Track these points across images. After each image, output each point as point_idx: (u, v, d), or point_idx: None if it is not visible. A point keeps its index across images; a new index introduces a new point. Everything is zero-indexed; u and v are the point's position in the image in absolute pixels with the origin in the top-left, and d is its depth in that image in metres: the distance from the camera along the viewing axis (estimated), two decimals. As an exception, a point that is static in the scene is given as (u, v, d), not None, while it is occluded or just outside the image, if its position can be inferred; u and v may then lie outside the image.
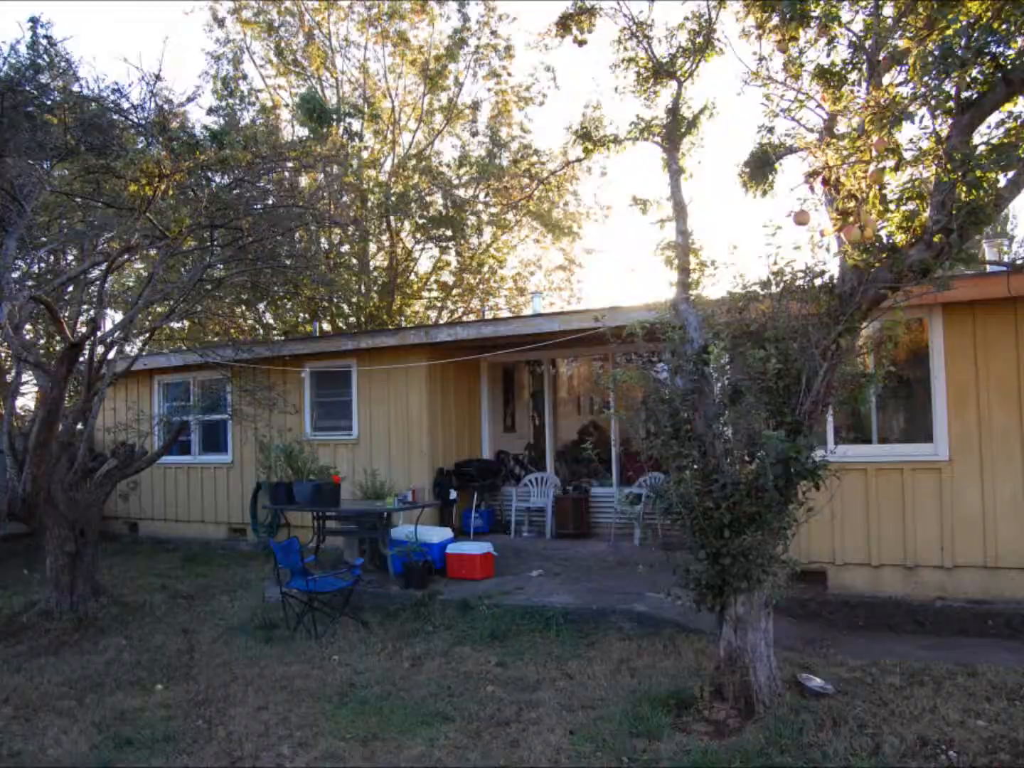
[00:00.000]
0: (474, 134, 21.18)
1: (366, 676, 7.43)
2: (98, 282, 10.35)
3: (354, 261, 21.26)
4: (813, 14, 7.14)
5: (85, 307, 10.96)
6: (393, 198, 19.86)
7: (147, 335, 11.32)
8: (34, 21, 8.55)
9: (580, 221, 23.18)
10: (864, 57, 7.29)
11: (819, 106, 7.91)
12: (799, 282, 6.24)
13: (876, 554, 9.29)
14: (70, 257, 12.05)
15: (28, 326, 10.98)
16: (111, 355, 10.39)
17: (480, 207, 21.01)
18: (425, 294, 23.68)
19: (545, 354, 13.16)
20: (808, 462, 5.88)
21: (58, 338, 11.30)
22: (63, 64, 8.80)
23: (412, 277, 23.42)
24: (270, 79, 22.25)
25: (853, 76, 7.75)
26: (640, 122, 8.75)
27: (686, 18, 8.90)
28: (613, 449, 13.08)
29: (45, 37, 8.72)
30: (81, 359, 9.90)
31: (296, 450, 10.89)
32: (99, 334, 9.26)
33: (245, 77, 20.71)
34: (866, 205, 5.10)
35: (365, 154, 21.14)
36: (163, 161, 7.22)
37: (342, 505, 10.77)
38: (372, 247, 21.78)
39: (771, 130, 7.69)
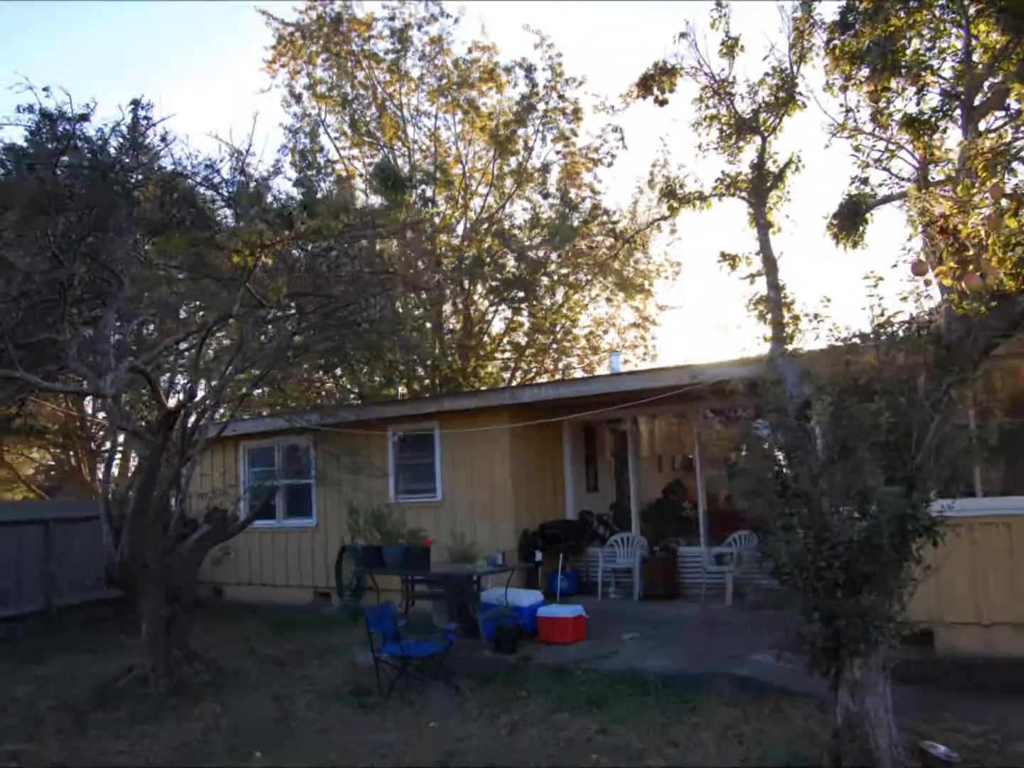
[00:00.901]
0: (545, 196, 21.42)
1: (465, 744, 7.30)
2: (185, 351, 10.60)
3: (427, 324, 21.51)
4: (903, 63, 7.10)
5: (169, 376, 11.23)
6: (467, 261, 20.14)
7: (238, 401, 11.54)
8: (135, 103, 8.92)
9: (651, 278, 23.17)
10: (957, 103, 7.22)
11: (912, 154, 7.86)
12: (903, 333, 6.09)
13: (987, 613, 8.90)
14: (150, 327, 12.38)
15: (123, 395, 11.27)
16: (202, 422, 10.61)
17: (552, 267, 21.14)
18: (498, 355, 23.79)
19: (627, 412, 13.06)
20: (925, 518, 5.69)
21: (144, 407, 11.58)
22: (160, 144, 9.13)
23: (485, 339, 23.59)
24: (344, 150, 22.91)
25: (943, 124, 7.72)
26: (726, 178, 8.75)
27: (767, 74, 8.92)
28: (700, 507, 12.85)
29: (145, 118, 9.06)
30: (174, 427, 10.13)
31: (385, 514, 10.91)
32: (194, 401, 9.45)
33: (322, 149, 21.35)
34: (986, 252, 4.97)
35: (437, 219, 21.52)
36: (264, 233, 7.43)
37: (432, 568, 10.72)
38: (447, 309, 22.02)
39: (865, 181, 7.64)
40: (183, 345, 11.50)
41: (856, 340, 6.69)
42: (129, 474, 13.63)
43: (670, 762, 6.56)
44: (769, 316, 7.95)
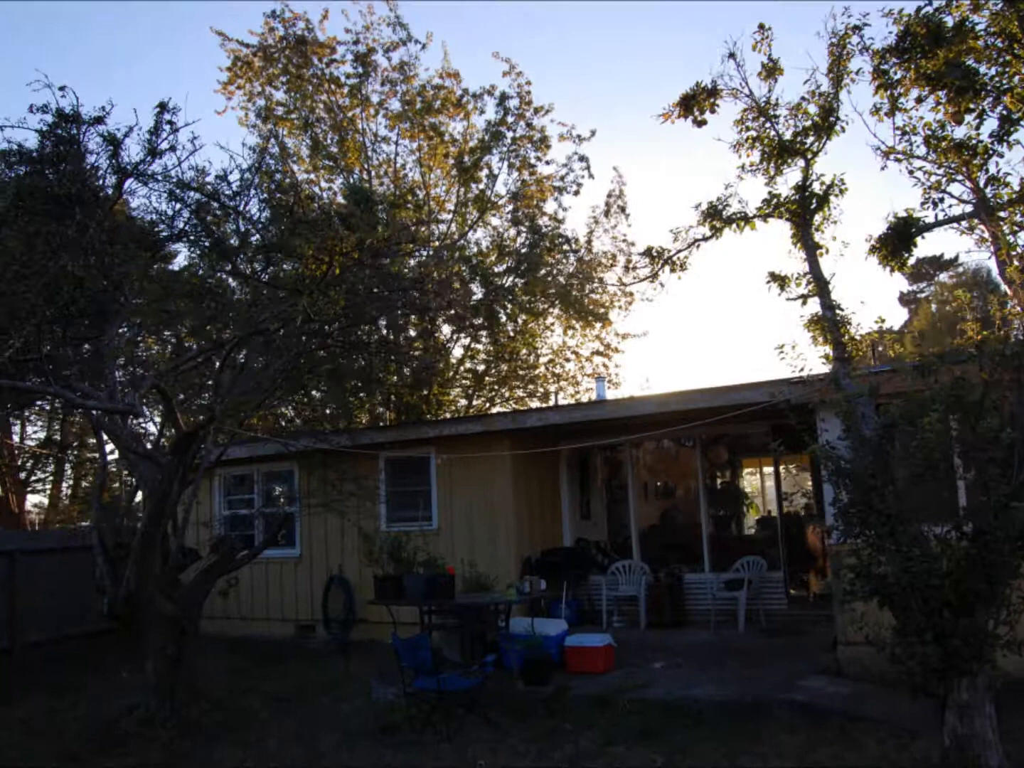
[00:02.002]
0: (516, 223, 21.31)
1: (531, 781, 6.96)
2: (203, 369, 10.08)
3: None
4: (982, 86, 7.21)
5: (184, 395, 10.67)
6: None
7: (238, 423, 10.99)
8: (162, 106, 8.45)
9: (607, 307, 23.19)
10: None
11: (967, 178, 7.97)
12: (1010, 351, 6.09)
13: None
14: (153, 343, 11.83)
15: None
16: (204, 444, 10.05)
17: (520, 296, 21.00)
18: (457, 383, 23.48)
19: (632, 438, 12.92)
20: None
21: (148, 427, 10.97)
22: (189, 146, 8.68)
23: (441, 365, 23.24)
24: (300, 173, 22.44)
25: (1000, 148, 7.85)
26: (772, 199, 8.75)
27: (803, 98, 9.00)
28: (704, 533, 12.76)
29: (168, 123, 8.60)
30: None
31: (404, 541, 10.48)
32: (214, 423, 8.93)
33: (292, 171, 20.91)
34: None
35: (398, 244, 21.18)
36: (346, 238, 7.06)
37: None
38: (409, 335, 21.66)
39: (937, 203, 7.71)
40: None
41: (934, 358, 6.71)
42: (121, 502, 12.82)
43: (759, 793, 6.35)
44: (829, 336, 7.95)
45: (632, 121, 58.82)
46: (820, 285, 8.25)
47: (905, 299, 39.66)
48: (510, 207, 21.99)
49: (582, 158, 21.34)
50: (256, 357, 10.36)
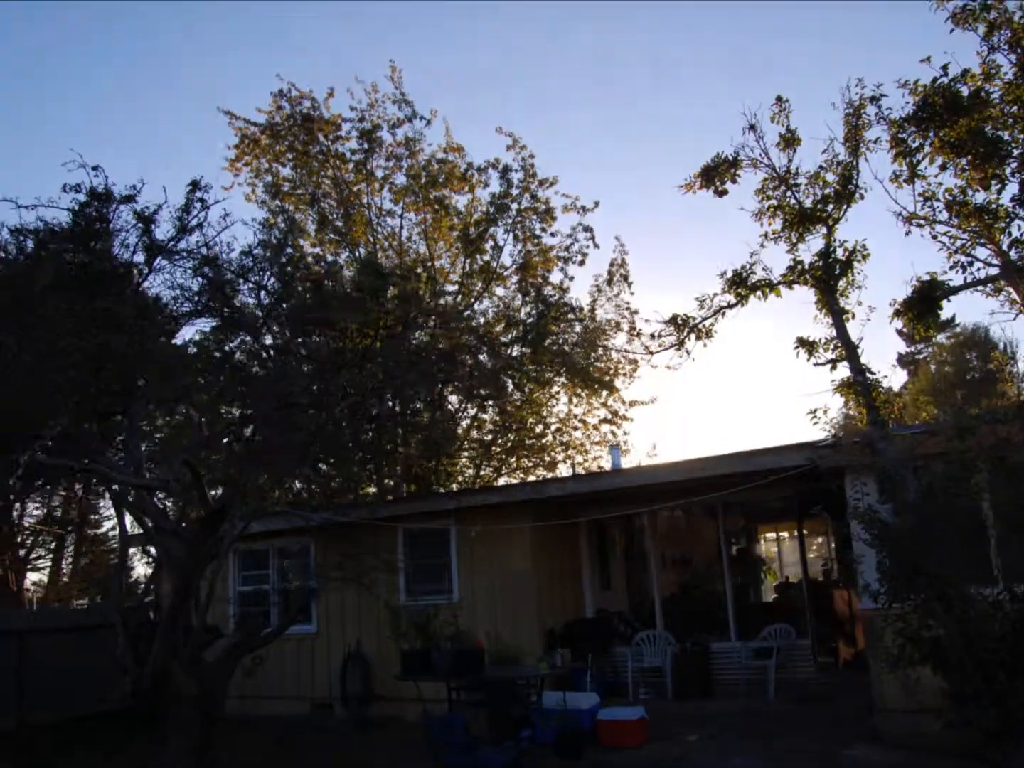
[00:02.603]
0: (525, 293, 21.51)
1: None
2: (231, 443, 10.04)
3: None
4: (1008, 152, 7.37)
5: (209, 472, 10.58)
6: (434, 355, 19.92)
7: (260, 498, 10.91)
8: (195, 184, 8.60)
9: (612, 375, 23.30)
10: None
11: (991, 241, 8.09)
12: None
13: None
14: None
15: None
16: (229, 520, 9.96)
17: (527, 365, 21.08)
18: (464, 453, 23.43)
19: (649, 508, 12.84)
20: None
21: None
22: (221, 223, 8.81)
23: (443, 439, 23.20)
24: (307, 247, 22.68)
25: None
26: (796, 266, 8.87)
27: (821, 167, 9.18)
28: (728, 602, 12.62)
29: (200, 200, 8.74)
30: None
31: (431, 614, 10.33)
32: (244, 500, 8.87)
33: (300, 246, 21.12)
34: None
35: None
36: (392, 312, 7.12)
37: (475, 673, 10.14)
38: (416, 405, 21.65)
39: (966, 266, 7.83)
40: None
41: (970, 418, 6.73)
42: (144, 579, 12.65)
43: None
44: (861, 399, 7.98)
45: (637, 189, 59.74)
46: (848, 350, 8.32)
47: (903, 360, 39.87)
48: (516, 277, 22.23)
49: (587, 228, 21.69)
50: (279, 431, 10.35)
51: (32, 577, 30.20)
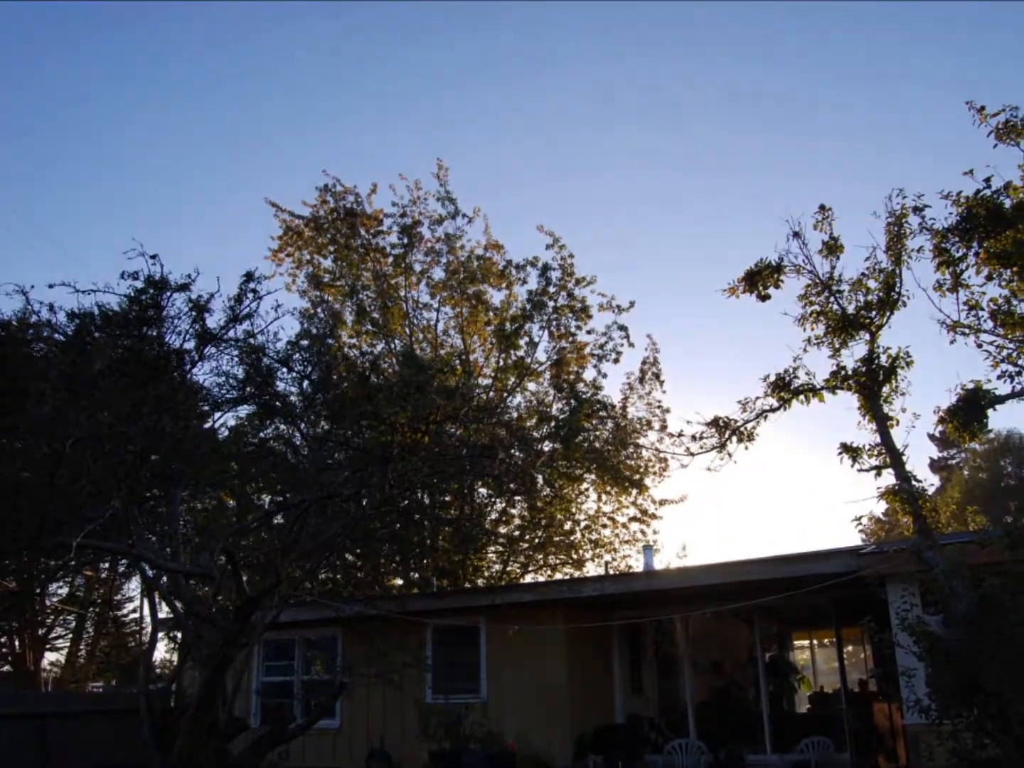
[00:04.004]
0: (559, 389, 21.63)
1: None
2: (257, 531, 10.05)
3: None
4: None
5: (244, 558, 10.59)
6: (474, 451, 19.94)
7: (290, 585, 10.84)
8: (249, 276, 8.82)
9: (642, 473, 23.18)
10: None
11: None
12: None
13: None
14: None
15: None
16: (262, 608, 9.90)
17: (559, 461, 21.04)
18: (491, 548, 23.22)
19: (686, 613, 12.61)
20: None
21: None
22: (272, 313, 9.00)
23: (475, 531, 23.05)
24: (345, 338, 23.03)
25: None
26: (840, 371, 8.90)
27: (863, 273, 9.28)
28: (763, 711, 12.25)
29: (252, 291, 8.95)
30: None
31: (462, 714, 10.10)
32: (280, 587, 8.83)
33: (339, 336, 21.48)
34: None
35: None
36: (441, 408, 7.20)
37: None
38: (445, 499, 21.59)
39: (1014, 376, 7.82)
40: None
41: None
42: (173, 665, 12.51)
43: None
44: (907, 507, 7.89)
45: (672, 288, 60.59)
46: (893, 456, 8.28)
47: (936, 465, 39.39)
48: (549, 373, 22.39)
49: (621, 327, 21.85)
50: (316, 520, 10.36)
51: (50, 656, 29.96)
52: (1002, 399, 8.18)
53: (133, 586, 27.49)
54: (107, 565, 23.17)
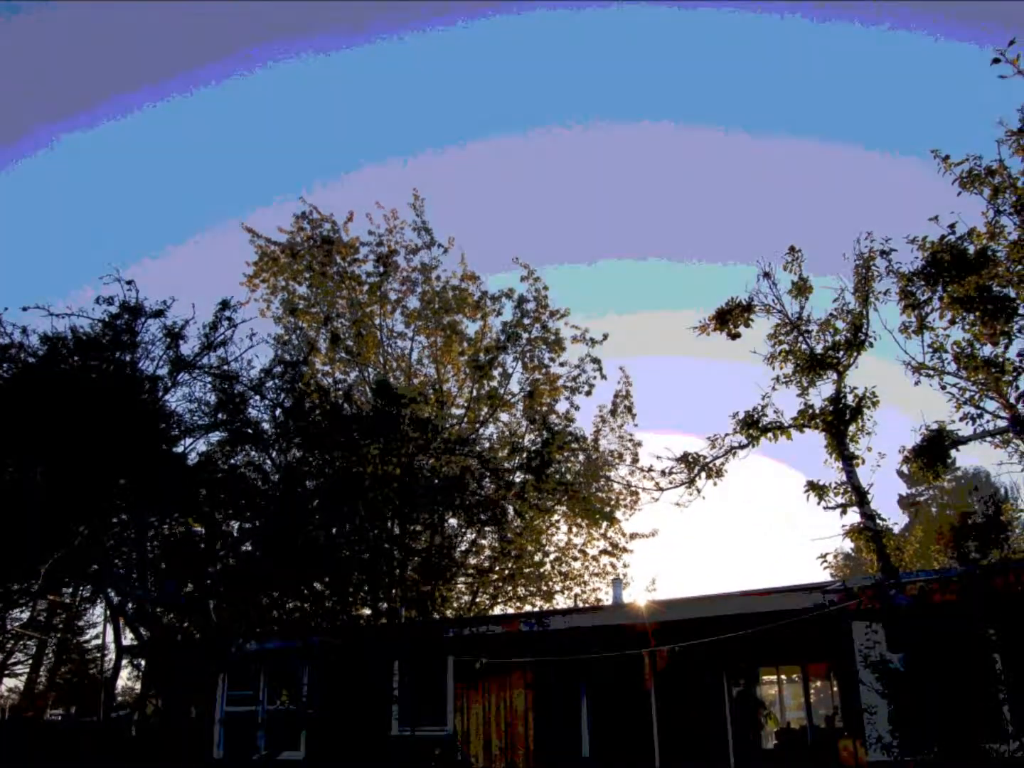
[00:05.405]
0: (532, 420, 21.69)
1: None
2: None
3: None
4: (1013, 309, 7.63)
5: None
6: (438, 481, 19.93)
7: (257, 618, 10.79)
8: (225, 304, 8.86)
9: (613, 506, 23.24)
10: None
11: (998, 393, 8.27)
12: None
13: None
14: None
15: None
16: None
17: (531, 493, 21.05)
18: (460, 579, 23.12)
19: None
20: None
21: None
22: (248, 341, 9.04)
23: (445, 561, 22.96)
24: (318, 365, 23.00)
25: None
26: (808, 410, 9.04)
27: (831, 314, 9.46)
28: (729, 750, 12.26)
29: (228, 319, 8.99)
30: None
31: (430, 748, 10.04)
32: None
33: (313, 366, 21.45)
34: None
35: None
36: (415, 438, 7.22)
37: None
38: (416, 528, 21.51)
39: (975, 418, 7.99)
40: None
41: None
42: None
43: None
44: (872, 545, 8.00)
45: (645, 324, 61.08)
46: (859, 495, 8.41)
47: (904, 501, 39.78)
48: (522, 405, 22.45)
49: (594, 360, 21.99)
50: (285, 548, 10.32)
51: (8, 683, 29.45)
52: (965, 440, 8.35)
53: (97, 612, 27.14)
54: (70, 590, 22.83)
